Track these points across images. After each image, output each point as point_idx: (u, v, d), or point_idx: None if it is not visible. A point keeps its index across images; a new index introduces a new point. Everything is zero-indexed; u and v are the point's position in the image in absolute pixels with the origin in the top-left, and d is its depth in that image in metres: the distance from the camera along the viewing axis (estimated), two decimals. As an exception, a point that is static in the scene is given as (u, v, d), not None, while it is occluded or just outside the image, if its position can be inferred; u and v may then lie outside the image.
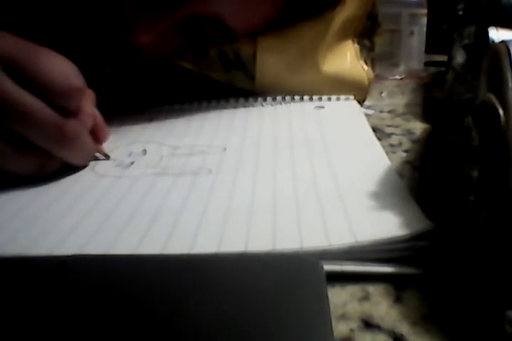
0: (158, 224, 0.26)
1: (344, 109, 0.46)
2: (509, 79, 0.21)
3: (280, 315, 0.18)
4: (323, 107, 0.46)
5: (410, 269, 0.23)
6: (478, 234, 0.21)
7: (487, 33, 0.35)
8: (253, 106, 0.48)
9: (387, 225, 0.24)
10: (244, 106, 0.48)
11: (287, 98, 0.48)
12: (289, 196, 0.28)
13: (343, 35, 0.49)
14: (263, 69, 0.47)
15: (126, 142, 0.40)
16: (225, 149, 0.37)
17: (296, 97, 0.48)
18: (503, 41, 0.22)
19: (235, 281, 0.20)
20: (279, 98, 0.48)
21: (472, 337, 0.19)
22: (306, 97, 0.48)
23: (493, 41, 0.34)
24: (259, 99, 0.48)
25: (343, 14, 0.48)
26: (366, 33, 0.52)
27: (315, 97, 0.47)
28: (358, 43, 0.50)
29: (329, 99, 0.47)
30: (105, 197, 0.30)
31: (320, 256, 0.22)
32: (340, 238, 0.23)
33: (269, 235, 0.24)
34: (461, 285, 0.22)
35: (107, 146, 0.38)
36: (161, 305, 0.19)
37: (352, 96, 0.48)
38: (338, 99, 0.47)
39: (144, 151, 0.37)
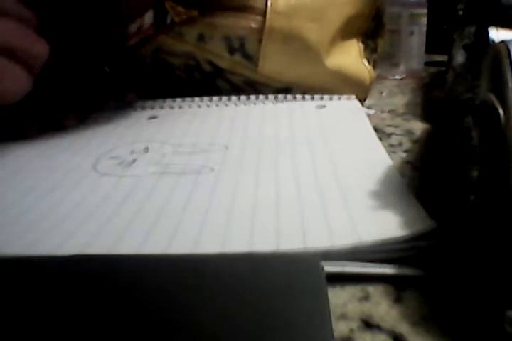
0: (161, 224, 0.26)
1: (346, 109, 0.46)
2: (509, 79, 0.21)
3: (280, 315, 0.18)
4: (324, 106, 0.46)
5: (412, 270, 0.23)
6: (479, 234, 0.21)
7: (487, 33, 0.35)
8: (255, 104, 0.48)
9: (391, 225, 0.24)
10: (246, 105, 0.48)
11: (289, 97, 0.48)
12: (292, 196, 0.28)
13: (347, 33, 0.49)
14: (267, 58, 0.47)
15: (128, 140, 0.40)
16: (227, 148, 0.37)
17: (298, 96, 0.48)
18: (503, 41, 0.22)
19: (235, 281, 0.20)
20: (280, 96, 0.48)
21: (472, 337, 0.19)
22: (307, 96, 0.48)
23: (493, 41, 0.34)
24: (261, 98, 0.48)
25: (346, 11, 0.48)
26: (371, 33, 0.52)
27: (316, 96, 0.47)
28: (363, 42, 0.51)
29: (331, 99, 0.47)
30: (108, 198, 0.30)
31: (323, 256, 0.22)
32: (344, 238, 0.23)
33: (272, 235, 0.24)
34: (461, 285, 0.22)
35: (109, 144, 0.38)
36: (162, 304, 0.19)
37: (353, 96, 0.48)
38: (339, 98, 0.47)
39: (146, 149, 0.37)
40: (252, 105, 0.47)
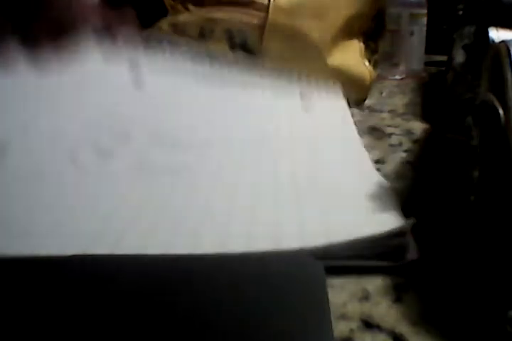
0: (139, 222, 0.26)
1: (332, 108, 0.45)
2: (509, 79, 0.21)
3: (280, 315, 0.18)
4: (311, 106, 0.46)
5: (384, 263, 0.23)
6: (479, 234, 0.21)
7: (487, 33, 0.35)
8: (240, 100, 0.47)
9: (366, 224, 0.25)
10: (232, 101, 0.47)
11: (275, 95, 0.47)
12: (269, 195, 0.29)
13: (348, 32, 0.49)
14: (269, 54, 0.46)
15: (108, 132, 0.38)
16: (209, 144, 0.36)
17: (284, 95, 0.47)
18: (503, 41, 0.22)
19: (236, 282, 0.20)
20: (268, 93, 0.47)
21: (472, 337, 0.19)
22: (294, 96, 0.47)
23: (493, 41, 0.34)
24: (246, 95, 0.47)
25: (347, 11, 0.48)
26: (371, 34, 0.52)
27: (303, 96, 0.47)
28: (364, 43, 0.51)
29: (317, 99, 0.47)
30: (88, 196, 0.29)
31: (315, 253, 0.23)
32: (317, 238, 0.24)
33: (244, 236, 0.25)
34: (461, 285, 0.22)
35: (89, 135, 0.36)
36: (161, 304, 0.19)
37: (340, 96, 0.48)
38: (327, 98, 0.47)
39: (127, 141, 0.36)
40: (238, 102, 0.47)
